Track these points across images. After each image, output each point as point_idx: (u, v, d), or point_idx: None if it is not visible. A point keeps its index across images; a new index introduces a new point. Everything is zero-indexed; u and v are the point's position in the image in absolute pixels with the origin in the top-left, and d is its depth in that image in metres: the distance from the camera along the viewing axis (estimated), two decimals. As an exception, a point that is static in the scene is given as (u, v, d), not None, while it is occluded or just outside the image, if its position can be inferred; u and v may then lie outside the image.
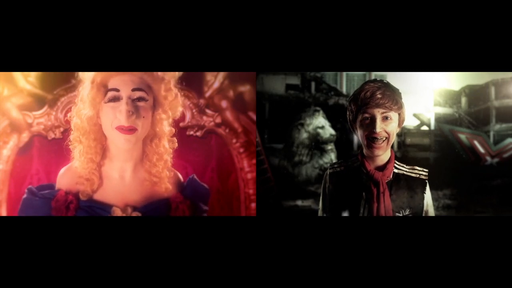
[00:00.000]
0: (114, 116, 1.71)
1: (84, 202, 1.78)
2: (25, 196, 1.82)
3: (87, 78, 1.77)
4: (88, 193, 1.78)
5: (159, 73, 1.81)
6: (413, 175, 1.64)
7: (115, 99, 1.72)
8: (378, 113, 1.53)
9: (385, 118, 1.54)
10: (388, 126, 1.54)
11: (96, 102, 1.74)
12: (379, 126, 1.52)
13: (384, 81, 1.58)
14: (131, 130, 1.72)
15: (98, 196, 1.80)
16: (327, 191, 1.67)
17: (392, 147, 1.62)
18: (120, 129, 1.71)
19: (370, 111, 1.53)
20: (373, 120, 1.53)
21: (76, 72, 1.85)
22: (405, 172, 1.64)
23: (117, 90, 1.72)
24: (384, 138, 1.54)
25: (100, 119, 1.76)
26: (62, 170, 1.84)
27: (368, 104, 1.53)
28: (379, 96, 1.52)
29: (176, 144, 1.92)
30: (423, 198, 1.63)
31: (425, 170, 1.66)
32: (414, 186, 1.62)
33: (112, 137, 1.76)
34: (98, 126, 1.77)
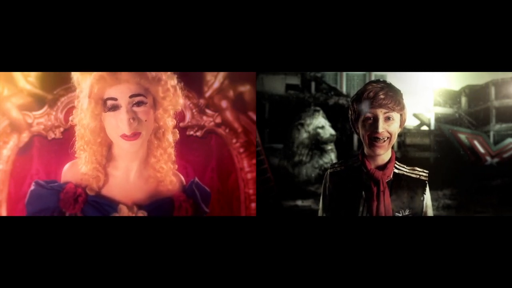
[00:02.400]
0: (117, 125, 1.72)
1: (91, 197, 1.79)
2: (32, 188, 1.81)
3: (84, 88, 1.77)
4: (94, 189, 1.80)
5: (155, 74, 1.81)
6: (413, 176, 1.65)
7: (115, 107, 1.72)
8: (381, 113, 1.55)
9: (388, 119, 1.56)
10: (390, 126, 1.56)
11: (95, 114, 1.75)
12: (382, 126, 1.54)
13: (387, 81, 1.60)
14: (135, 135, 1.73)
15: (105, 192, 1.82)
16: (327, 191, 1.68)
17: (392, 147, 1.63)
18: (124, 137, 1.72)
19: (372, 111, 1.55)
20: (375, 120, 1.55)
21: (71, 76, 1.83)
22: (405, 173, 1.65)
23: (114, 99, 1.72)
24: (386, 138, 1.56)
25: (104, 125, 1.77)
26: (67, 166, 1.86)
27: (371, 104, 1.55)
28: (382, 96, 1.54)
29: (178, 136, 1.93)
30: (423, 199, 1.63)
31: (425, 171, 1.67)
32: (414, 187, 1.63)
33: (117, 143, 1.78)
34: (103, 133, 1.78)
